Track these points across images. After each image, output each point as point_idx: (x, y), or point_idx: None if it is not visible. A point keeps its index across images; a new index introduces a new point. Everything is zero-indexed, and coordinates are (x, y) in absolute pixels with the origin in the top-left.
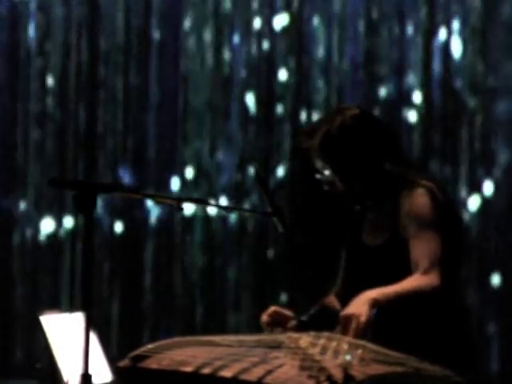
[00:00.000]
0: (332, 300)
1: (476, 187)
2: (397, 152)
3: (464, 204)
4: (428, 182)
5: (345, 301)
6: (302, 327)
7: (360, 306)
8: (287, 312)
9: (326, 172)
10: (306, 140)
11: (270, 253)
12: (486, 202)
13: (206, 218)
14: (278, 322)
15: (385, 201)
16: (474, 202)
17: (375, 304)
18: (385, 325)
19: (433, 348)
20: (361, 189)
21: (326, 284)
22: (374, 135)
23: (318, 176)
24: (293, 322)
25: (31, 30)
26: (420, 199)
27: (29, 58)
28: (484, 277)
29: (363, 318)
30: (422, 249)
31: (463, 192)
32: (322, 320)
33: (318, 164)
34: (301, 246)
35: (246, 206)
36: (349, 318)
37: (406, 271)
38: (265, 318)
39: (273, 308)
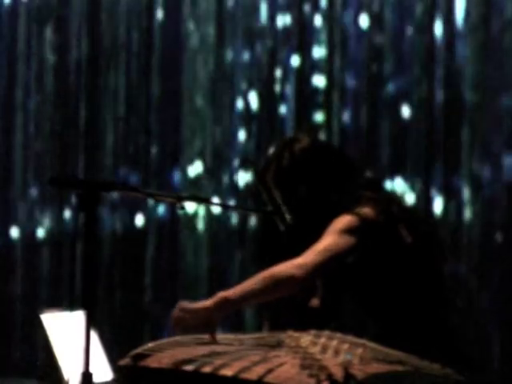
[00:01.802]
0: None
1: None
2: (347, 175)
3: (464, 204)
4: (371, 203)
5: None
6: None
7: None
8: None
9: (279, 201)
10: (263, 171)
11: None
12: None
13: (208, 216)
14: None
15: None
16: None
17: (223, 302)
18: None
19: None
20: (312, 217)
21: None
22: (322, 164)
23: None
24: None
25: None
26: (338, 219)
27: (25, 55)
28: (484, 275)
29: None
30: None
31: (465, 192)
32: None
33: (276, 193)
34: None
35: (248, 204)
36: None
37: (372, 289)
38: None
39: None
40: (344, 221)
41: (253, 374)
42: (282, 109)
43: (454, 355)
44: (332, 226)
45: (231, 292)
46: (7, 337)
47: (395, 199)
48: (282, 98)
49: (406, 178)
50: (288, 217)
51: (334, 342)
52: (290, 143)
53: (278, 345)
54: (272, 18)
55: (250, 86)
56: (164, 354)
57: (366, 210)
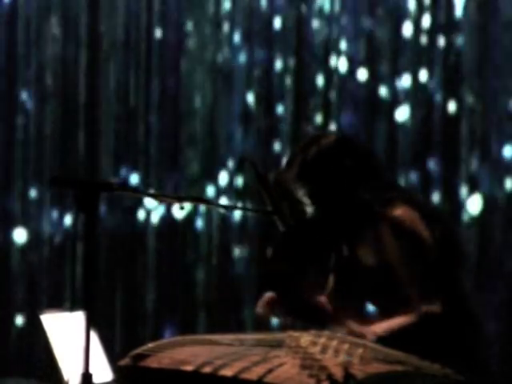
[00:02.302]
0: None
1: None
2: (374, 176)
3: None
4: (406, 205)
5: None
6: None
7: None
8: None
9: (305, 200)
10: (284, 171)
11: (271, 251)
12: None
13: (208, 217)
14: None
15: (367, 223)
16: (475, 202)
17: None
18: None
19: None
20: (339, 214)
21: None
22: (349, 162)
23: (299, 204)
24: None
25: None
26: (402, 224)
27: (25, 60)
28: (484, 275)
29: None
30: (412, 279)
31: (464, 192)
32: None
33: (299, 193)
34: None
35: (248, 205)
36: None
37: (392, 292)
38: (262, 307)
39: (268, 295)
40: (409, 236)
41: (253, 374)
42: (280, 109)
43: (475, 361)
44: (402, 241)
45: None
46: (7, 337)
47: (424, 201)
48: (280, 98)
49: (403, 178)
50: (289, 217)
51: (334, 342)
52: (318, 138)
53: (278, 345)
54: (270, 18)
55: (249, 87)
56: (164, 354)
57: (409, 209)
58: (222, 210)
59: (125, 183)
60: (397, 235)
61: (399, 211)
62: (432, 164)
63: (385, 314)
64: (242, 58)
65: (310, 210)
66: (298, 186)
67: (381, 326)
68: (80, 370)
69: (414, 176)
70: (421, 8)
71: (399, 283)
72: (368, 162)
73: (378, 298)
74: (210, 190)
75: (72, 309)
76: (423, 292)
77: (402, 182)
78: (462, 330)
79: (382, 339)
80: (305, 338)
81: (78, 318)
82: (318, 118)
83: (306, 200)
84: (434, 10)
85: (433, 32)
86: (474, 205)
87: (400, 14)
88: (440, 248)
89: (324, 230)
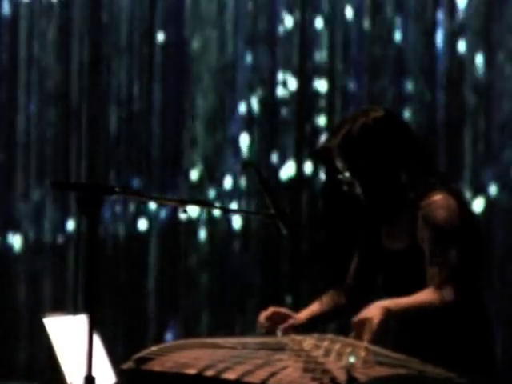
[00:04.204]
0: (329, 299)
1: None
2: (419, 158)
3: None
4: (446, 192)
5: (357, 303)
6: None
7: (373, 311)
8: (285, 310)
9: (346, 173)
10: (328, 139)
11: (275, 255)
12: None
13: (210, 220)
14: (277, 322)
15: (403, 206)
16: (478, 204)
17: (387, 313)
18: (401, 335)
19: (451, 359)
20: (378, 192)
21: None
22: (396, 139)
23: (338, 176)
24: (291, 321)
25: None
26: (438, 211)
27: (28, 67)
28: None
29: (376, 321)
30: (438, 262)
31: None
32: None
33: (339, 164)
34: (317, 245)
35: (251, 208)
36: (362, 323)
37: (423, 279)
38: (263, 320)
39: (272, 309)
40: (445, 223)
41: (256, 378)
42: (283, 112)
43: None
44: (438, 227)
45: (393, 305)
46: (11, 341)
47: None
48: (284, 101)
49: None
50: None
51: (337, 346)
52: (367, 111)
53: (281, 348)
54: (274, 21)
55: (252, 90)
56: (167, 357)
57: (450, 197)
58: (224, 214)
59: (127, 187)
60: (429, 219)
61: (438, 197)
62: None
63: None
64: (246, 61)
65: (347, 181)
66: (338, 157)
67: (396, 302)
68: (83, 373)
69: None
70: None
71: (424, 269)
72: (413, 143)
73: (399, 287)
74: (213, 194)
75: (75, 312)
76: (449, 273)
77: None
78: (477, 322)
79: (393, 315)
80: (308, 342)
81: (81, 321)
82: (321, 121)
83: (344, 172)
84: None
85: None
86: (477, 207)
87: None
88: (472, 240)
89: (358, 206)
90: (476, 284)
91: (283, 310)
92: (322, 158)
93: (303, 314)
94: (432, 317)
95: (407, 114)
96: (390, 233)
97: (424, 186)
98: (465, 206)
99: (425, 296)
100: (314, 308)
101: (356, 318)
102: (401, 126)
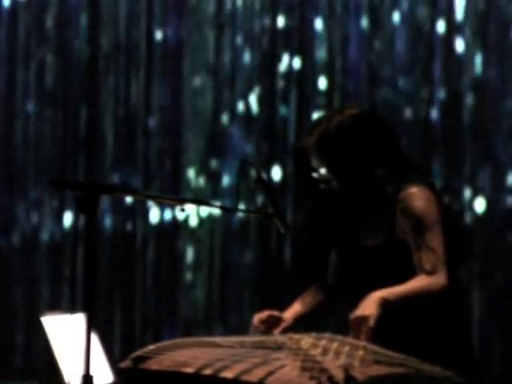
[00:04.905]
0: (311, 297)
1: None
2: (395, 153)
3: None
4: (423, 185)
5: (338, 300)
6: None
7: (369, 306)
8: (278, 314)
9: (322, 170)
10: (304, 138)
11: (273, 254)
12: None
13: (209, 219)
14: (271, 326)
15: (381, 201)
16: (478, 204)
17: (385, 303)
18: (390, 324)
19: (436, 347)
20: (355, 189)
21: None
22: (372, 136)
23: (314, 174)
24: (285, 324)
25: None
26: (416, 201)
27: (27, 58)
28: (486, 276)
29: (372, 320)
30: (426, 249)
31: (467, 193)
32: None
33: (314, 162)
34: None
35: (249, 207)
36: (359, 320)
37: (402, 273)
38: (258, 324)
39: (267, 312)
40: (426, 211)
41: (253, 377)
42: (283, 110)
43: (467, 358)
44: (419, 216)
45: (390, 295)
46: (8, 340)
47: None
48: (283, 99)
49: None
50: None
51: (335, 344)
52: (342, 110)
53: (279, 347)
54: (273, 19)
55: (251, 88)
56: (165, 356)
57: (426, 188)
58: (222, 212)
59: (125, 185)
60: (410, 210)
61: (414, 189)
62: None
63: None
64: (244, 59)
65: (324, 178)
66: (315, 155)
67: (392, 291)
68: (81, 371)
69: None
70: None
71: (404, 260)
72: (390, 139)
73: (382, 283)
74: (212, 192)
75: (72, 310)
76: (439, 257)
77: None
78: (460, 311)
79: (390, 305)
80: (305, 340)
81: (79, 319)
82: None
83: (321, 170)
84: None
85: None
86: (478, 207)
87: None
88: (452, 231)
89: (335, 203)
90: (456, 275)
91: (277, 313)
92: (297, 157)
93: (289, 314)
94: (429, 302)
95: (407, 113)
96: (366, 229)
97: (401, 181)
98: (441, 199)
99: (421, 282)
100: (297, 308)
101: (353, 316)
102: (377, 123)
